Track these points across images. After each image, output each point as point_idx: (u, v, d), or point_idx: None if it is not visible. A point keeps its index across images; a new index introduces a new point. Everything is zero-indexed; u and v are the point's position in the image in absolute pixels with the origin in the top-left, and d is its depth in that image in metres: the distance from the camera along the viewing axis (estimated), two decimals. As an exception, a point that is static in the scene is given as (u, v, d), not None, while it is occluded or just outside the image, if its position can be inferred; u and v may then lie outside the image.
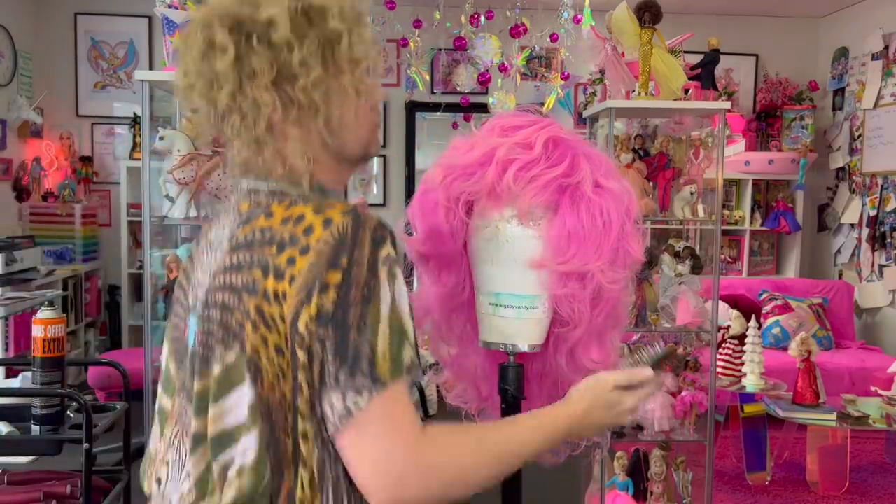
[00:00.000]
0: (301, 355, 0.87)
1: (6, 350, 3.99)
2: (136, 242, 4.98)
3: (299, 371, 0.87)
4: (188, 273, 1.04)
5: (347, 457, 0.88)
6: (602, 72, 3.38)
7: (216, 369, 0.91)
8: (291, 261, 0.88)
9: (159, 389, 1.06)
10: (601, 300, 1.12)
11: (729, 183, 5.39)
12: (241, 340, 0.89)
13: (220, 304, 0.92)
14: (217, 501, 0.90)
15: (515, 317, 1.15)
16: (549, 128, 1.12)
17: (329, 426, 0.87)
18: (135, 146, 5.02)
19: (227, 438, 0.89)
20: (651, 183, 2.96)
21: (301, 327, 0.86)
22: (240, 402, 0.89)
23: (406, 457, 0.86)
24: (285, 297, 0.87)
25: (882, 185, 4.98)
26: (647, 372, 1.07)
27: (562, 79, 4.33)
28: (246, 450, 0.88)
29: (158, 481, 1.01)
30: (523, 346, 1.17)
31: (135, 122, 5.05)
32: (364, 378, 0.85)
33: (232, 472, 0.89)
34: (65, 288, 4.59)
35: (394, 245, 0.92)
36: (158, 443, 1.03)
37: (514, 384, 1.19)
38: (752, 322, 3.75)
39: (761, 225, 5.46)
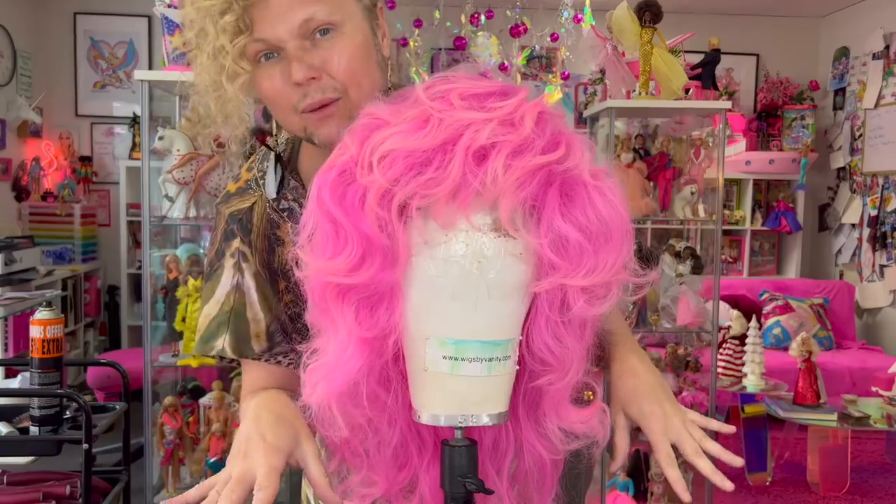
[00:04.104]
0: None
1: (5, 350, 3.99)
2: (136, 242, 4.98)
3: None
4: None
5: None
6: (602, 72, 3.38)
7: None
8: None
9: None
10: (585, 329, 0.83)
11: (729, 183, 5.38)
12: None
13: None
14: None
15: (485, 373, 0.78)
16: (533, 101, 0.78)
17: None
18: (134, 146, 5.02)
19: None
20: (651, 183, 2.96)
21: None
22: None
23: None
24: None
25: (883, 185, 4.98)
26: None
27: (562, 79, 4.33)
28: None
29: None
30: (485, 418, 0.80)
31: (134, 121, 5.04)
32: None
33: None
34: (64, 288, 4.58)
35: (245, 239, 1.03)
36: None
37: (471, 471, 0.82)
38: (753, 322, 3.74)
39: (762, 225, 5.45)
